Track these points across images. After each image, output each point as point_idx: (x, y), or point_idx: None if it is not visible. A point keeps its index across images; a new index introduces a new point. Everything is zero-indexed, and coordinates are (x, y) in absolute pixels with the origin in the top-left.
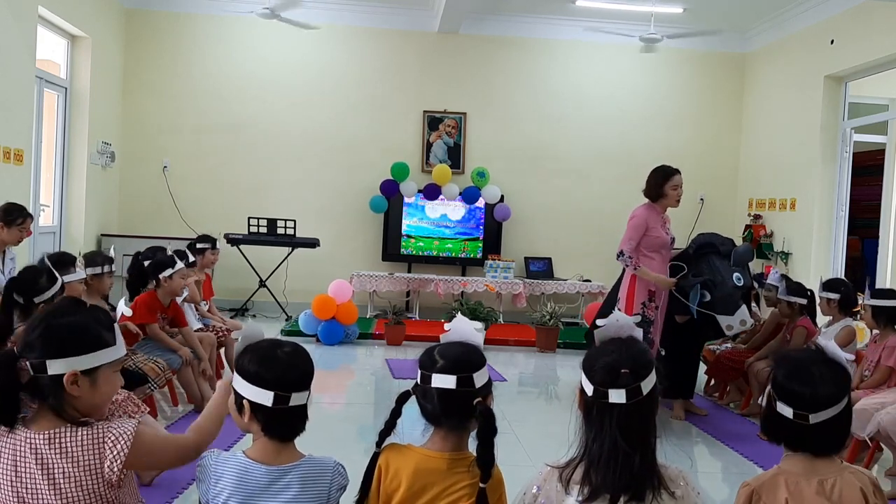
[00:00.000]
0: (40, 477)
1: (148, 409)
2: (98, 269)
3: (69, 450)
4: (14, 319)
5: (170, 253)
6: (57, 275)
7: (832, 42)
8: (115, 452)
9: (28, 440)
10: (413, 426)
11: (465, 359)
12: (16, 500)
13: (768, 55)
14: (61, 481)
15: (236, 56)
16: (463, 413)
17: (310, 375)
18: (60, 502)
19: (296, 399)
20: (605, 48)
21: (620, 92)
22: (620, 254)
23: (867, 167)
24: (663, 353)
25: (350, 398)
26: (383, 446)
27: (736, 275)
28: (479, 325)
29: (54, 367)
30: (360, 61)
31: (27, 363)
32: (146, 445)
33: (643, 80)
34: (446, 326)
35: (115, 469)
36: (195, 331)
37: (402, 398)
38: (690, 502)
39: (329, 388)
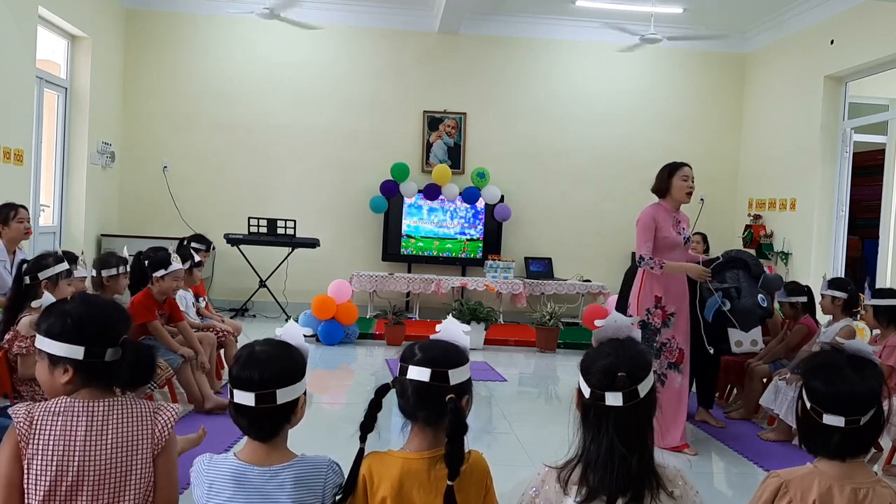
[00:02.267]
0: (112, 439)
1: None
2: (113, 271)
3: (134, 414)
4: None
5: (170, 251)
6: (63, 257)
7: (832, 42)
8: (165, 418)
9: (113, 405)
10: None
11: (442, 355)
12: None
13: (768, 55)
14: (126, 443)
15: (236, 56)
16: (436, 407)
17: (291, 371)
18: (120, 467)
19: (283, 396)
20: (605, 48)
21: (620, 92)
22: (640, 260)
23: (867, 167)
24: (712, 350)
25: (350, 398)
26: (365, 455)
27: (761, 296)
28: (466, 327)
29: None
30: (360, 61)
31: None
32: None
33: (643, 80)
34: (437, 328)
35: (166, 434)
36: (196, 331)
37: (382, 390)
38: (689, 501)
39: (329, 388)
